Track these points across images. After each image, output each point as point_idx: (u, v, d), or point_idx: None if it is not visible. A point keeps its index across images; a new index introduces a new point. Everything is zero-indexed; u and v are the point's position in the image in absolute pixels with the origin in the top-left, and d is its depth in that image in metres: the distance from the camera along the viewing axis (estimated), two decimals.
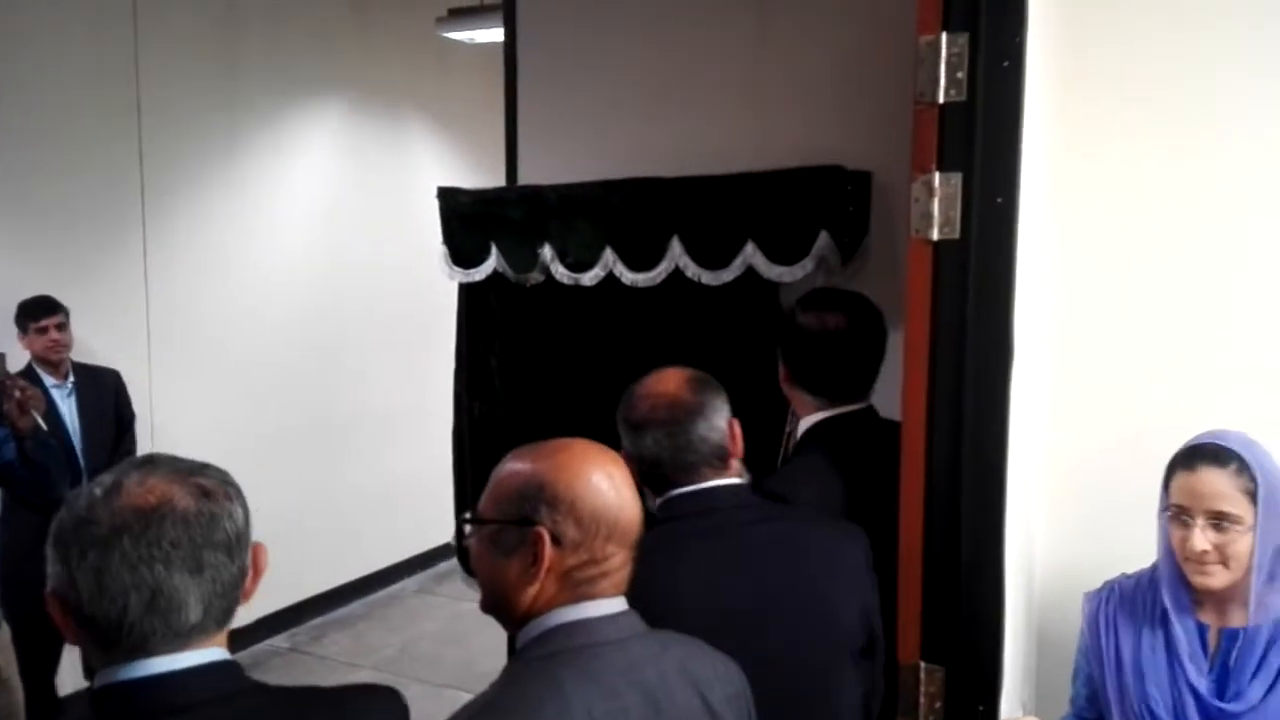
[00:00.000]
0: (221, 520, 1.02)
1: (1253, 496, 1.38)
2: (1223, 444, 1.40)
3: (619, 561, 1.14)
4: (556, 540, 1.09)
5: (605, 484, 1.12)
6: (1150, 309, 1.54)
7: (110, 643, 0.99)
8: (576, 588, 1.11)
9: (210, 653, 1.04)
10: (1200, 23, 1.48)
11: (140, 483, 1.01)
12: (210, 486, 1.04)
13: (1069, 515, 1.68)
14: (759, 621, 1.38)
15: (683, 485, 1.47)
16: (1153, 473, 1.46)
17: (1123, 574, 1.57)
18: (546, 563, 1.09)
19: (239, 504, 1.06)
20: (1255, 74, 1.45)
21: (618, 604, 1.15)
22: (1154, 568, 1.53)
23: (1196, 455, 1.42)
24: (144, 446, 4.11)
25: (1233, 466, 1.39)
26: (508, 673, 1.12)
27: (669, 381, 1.51)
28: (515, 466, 1.15)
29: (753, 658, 1.28)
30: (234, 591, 1.04)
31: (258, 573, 1.08)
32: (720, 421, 1.50)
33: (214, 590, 1.01)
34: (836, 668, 1.46)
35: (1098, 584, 1.59)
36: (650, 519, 1.53)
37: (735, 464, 1.53)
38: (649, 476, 1.49)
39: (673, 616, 1.24)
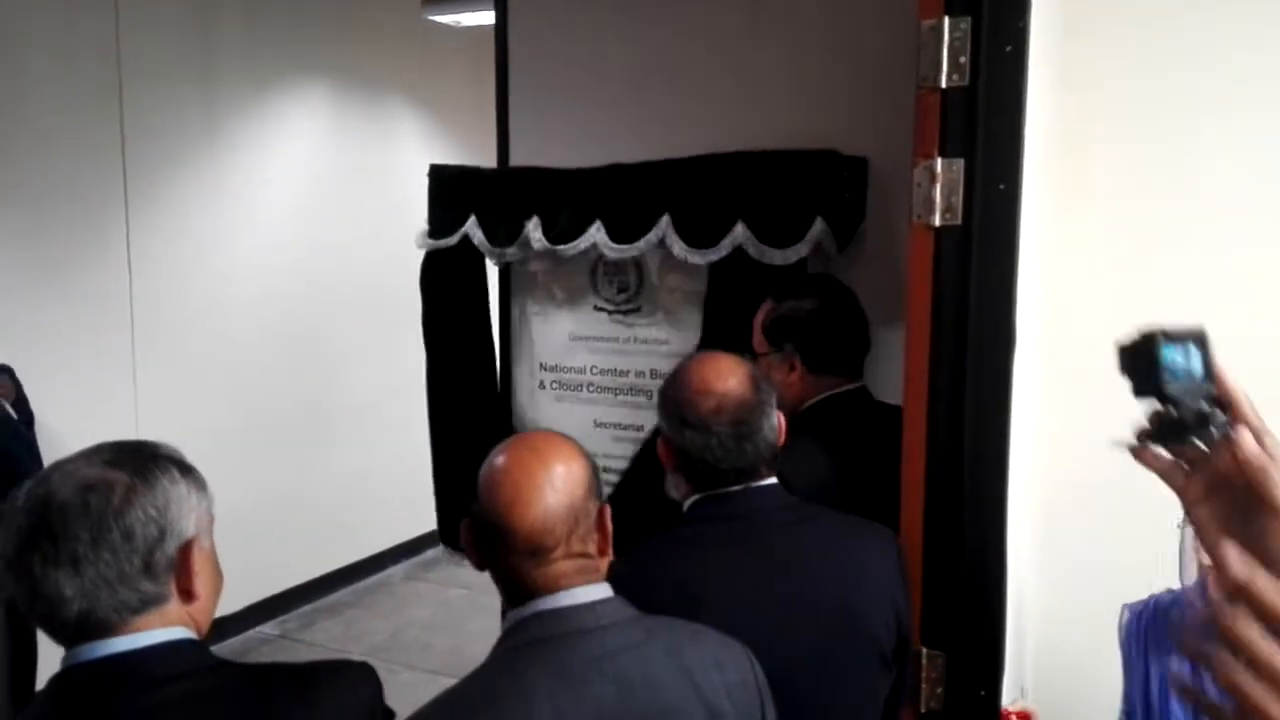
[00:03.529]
0: (106, 514, 1.01)
1: None
2: None
3: (591, 550, 1.17)
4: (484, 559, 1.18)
5: (538, 506, 1.13)
6: (1151, 301, 1.54)
7: (50, 630, 1.02)
8: (554, 580, 1.13)
9: (172, 631, 1.05)
10: (1204, 4, 1.47)
11: (44, 478, 1.03)
12: (100, 479, 1.02)
13: (1063, 520, 1.66)
14: (787, 625, 1.36)
15: (730, 484, 1.43)
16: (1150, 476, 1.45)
17: (1166, 589, 1.50)
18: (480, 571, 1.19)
19: (151, 495, 1.04)
20: (1260, 57, 1.45)
21: (597, 591, 1.16)
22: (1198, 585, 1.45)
23: None
24: (128, 433, 4.07)
25: None
26: (483, 664, 1.14)
27: (728, 376, 1.44)
28: (484, 466, 1.20)
29: (779, 661, 1.27)
30: (140, 582, 1.02)
31: (188, 571, 1.06)
32: (775, 418, 1.46)
33: (98, 583, 1.00)
34: (866, 671, 1.44)
35: (1092, 590, 1.57)
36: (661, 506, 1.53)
37: None
38: (695, 473, 1.44)
39: (696, 618, 1.23)
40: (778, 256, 2.00)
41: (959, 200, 1.42)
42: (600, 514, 1.20)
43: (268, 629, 4.79)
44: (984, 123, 1.40)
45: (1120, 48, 1.50)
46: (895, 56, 1.85)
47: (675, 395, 1.45)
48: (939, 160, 1.43)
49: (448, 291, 2.49)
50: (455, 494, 2.57)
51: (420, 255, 2.52)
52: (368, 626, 4.89)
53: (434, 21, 4.64)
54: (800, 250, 1.98)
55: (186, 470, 1.11)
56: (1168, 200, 1.53)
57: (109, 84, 4.04)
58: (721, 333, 2.04)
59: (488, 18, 3.10)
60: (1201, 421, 0.73)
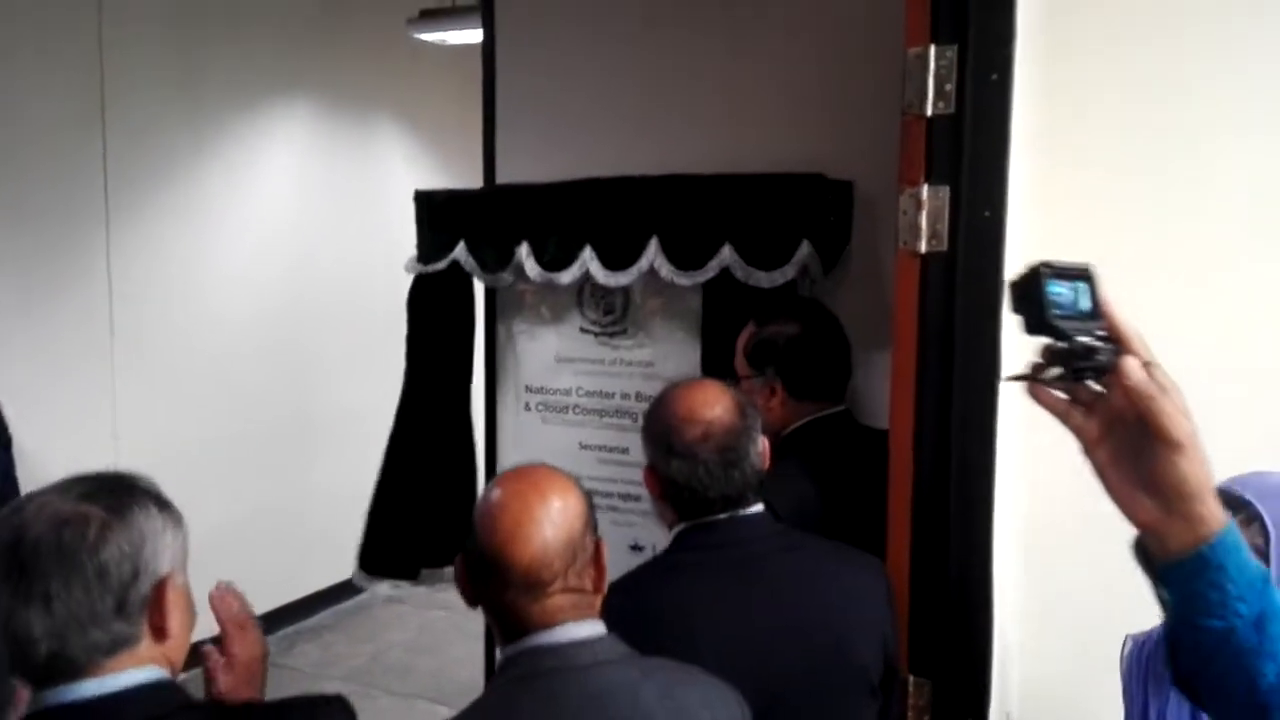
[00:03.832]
0: (79, 551, 0.98)
1: (1263, 554, 1.16)
2: (1233, 489, 1.19)
3: (586, 585, 1.16)
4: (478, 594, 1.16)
5: (536, 540, 1.12)
6: (1138, 324, 1.55)
7: (18, 669, 0.98)
8: (550, 615, 1.12)
9: (144, 672, 1.02)
10: (1184, 31, 1.49)
11: (17, 510, 1.00)
12: (75, 514, 1.00)
13: (1047, 544, 1.66)
14: (775, 652, 1.36)
15: (717, 512, 1.42)
16: None
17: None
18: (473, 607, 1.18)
19: (126, 532, 1.01)
20: (1243, 83, 1.46)
21: (592, 627, 1.15)
22: None
23: None
24: (106, 453, 4.03)
25: (1239, 517, 1.16)
26: (478, 699, 1.14)
27: (714, 402, 1.43)
28: (480, 501, 1.19)
29: (768, 689, 1.27)
30: (111, 623, 0.99)
31: (162, 610, 1.03)
32: (761, 444, 1.46)
33: (69, 623, 0.97)
34: (854, 699, 1.43)
35: (1076, 615, 1.57)
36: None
37: None
38: (682, 501, 1.43)
39: (685, 647, 1.23)
40: (764, 279, 2.00)
41: (945, 227, 1.43)
42: (596, 549, 1.19)
43: None
44: (969, 150, 1.41)
45: (1103, 74, 1.51)
46: (880, 80, 1.86)
47: (661, 423, 1.44)
48: (925, 187, 1.43)
49: (435, 314, 2.48)
50: (395, 518, 2.56)
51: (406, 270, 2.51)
52: (347, 649, 4.83)
53: (420, 40, 4.65)
54: (787, 273, 1.98)
55: (163, 505, 1.08)
56: (1152, 225, 1.54)
57: (91, 101, 4.01)
58: (720, 352, 2.03)
59: (474, 36, 3.11)
60: (1088, 353, 0.73)
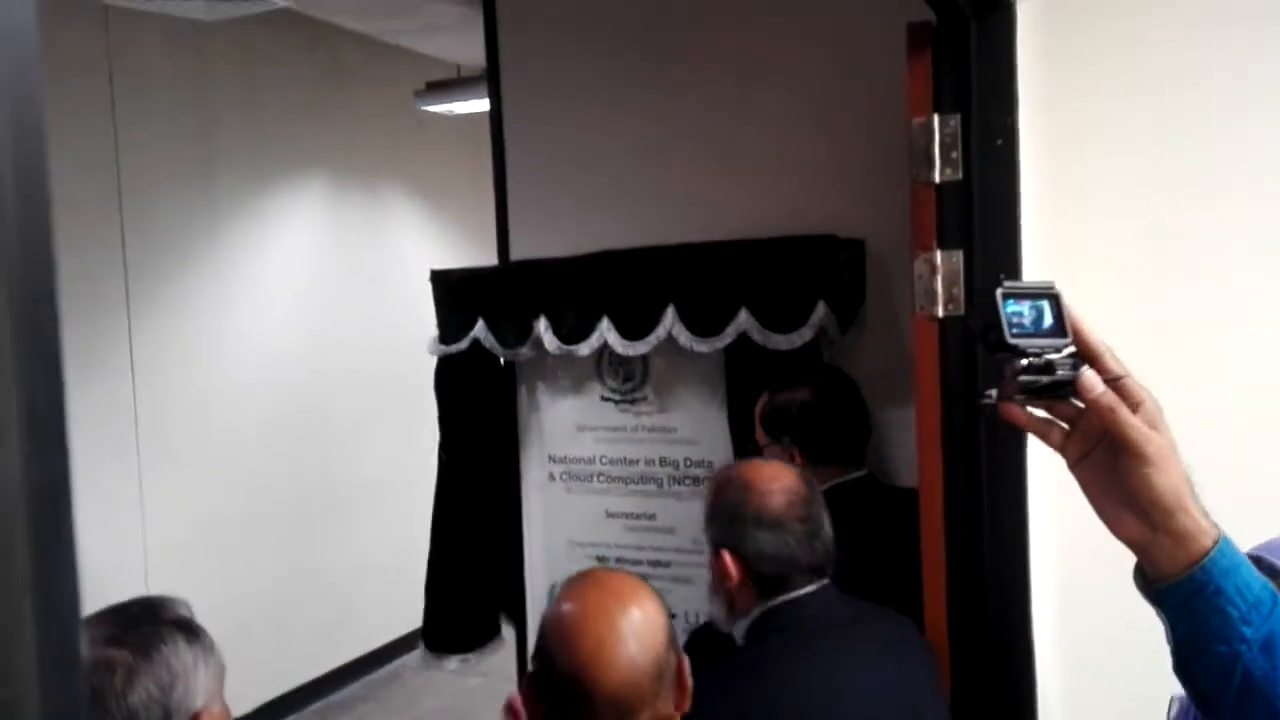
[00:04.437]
0: (106, 699, 0.95)
1: None
2: (1263, 555, 1.18)
3: (670, 711, 1.04)
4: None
5: (623, 662, 0.99)
6: (1153, 380, 1.55)
7: None
8: None
9: None
10: (1182, 81, 1.51)
11: None
12: (101, 659, 0.97)
13: (1081, 615, 1.64)
14: None
15: (805, 585, 1.36)
16: None
17: None
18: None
19: (154, 674, 0.99)
20: (1246, 133, 1.47)
21: None
22: None
23: None
24: (134, 535, 4.05)
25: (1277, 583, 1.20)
26: None
27: (784, 474, 1.40)
28: (549, 614, 1.06)
29: None
30: None
31: None
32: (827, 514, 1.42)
33: None
34: None
35: (1113, 662, 1.55)
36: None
37: None
38: (767, 579, 1.36)
39: None
40: (783, 342, 2.01)
41: (960, 291, 1.44)
42: (680, 668, 1.08)
43: None
44: (980, 215, 1.43)
45: (1104, 128, 1.52)
46: (885, 139, 1.88)
47: (738, 501, 1.37)
48: (938, 253, 1.45)
49: (465, 392, 2.50)
50: (450, 595, 2.57)
51: (421, 341, 2.54)
52: None
53: (427, 111, 4.74)
54: (804, 334, 2.00)
55: (192, 636, 1.05)
56: (1161, 283, 1.55)
57: (109, 192, 4.10)
58: (746, 418, 2.02)
59: (481, 105, 3.17)
60: (1048, 369, 0.72)
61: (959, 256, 1.44)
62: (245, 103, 4.70)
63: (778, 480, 1.38)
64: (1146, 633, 1.54)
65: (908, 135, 1.48)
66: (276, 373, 4.81)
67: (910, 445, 1.62)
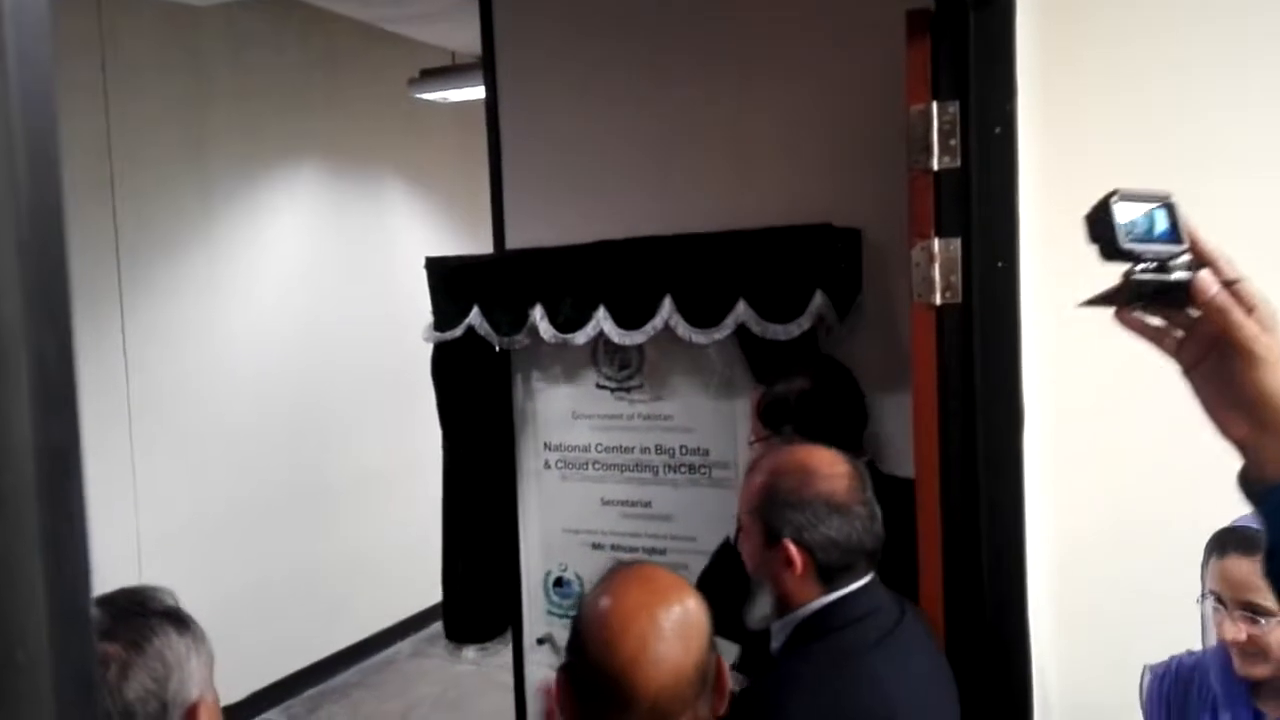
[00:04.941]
0: (101, 695, 0.94)
1: None
2: (1256, 530, 1.26)
3: (707, 714, 1.00)
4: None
5: (667, 663, 0.94)
6: (1157, 364, 1.55)
7: None
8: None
9: None
10: (1181, 68, 1.51)
11: None
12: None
13: (1076, 596, 1.65)
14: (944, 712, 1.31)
15: (859, 577, 1.30)
16: (1165, 551, 1.43)
17: (1187, 651, 1.44)
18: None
19: (148, 666, 0.97)
20: (1243, 121, 1.47)
21: None
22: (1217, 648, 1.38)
23: (1228, 540, 1.27)
24: (128, 523, 4.05)
25: (1260, 555, 1.21)
26: None
27: (838, 459, 1.34)
28: (586, 607, 1.01)
29: None
30: None
31: None
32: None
33: None
34: None
35: (1109, 646, 1.56)
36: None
37: None
38: (833, 568, 1.28)
39: None
40: (781, 332, 2.01)
41: (958, 279, 1.44)
42: (719, 669, 1.02)
43: (273, 715, 4.69)
44: (979, 203, 1.43)
45: (1102, 115, 1.52)
46: (882, 127, 1.88)
47: (801, 488, 1.29)
48: (936, 240, 1.45)
49: (461, 380, 2.49)
50: (464, 585, 2.56)
51: (416, 329, 2.53)
52: (375, 707, 4.80)
53: (421, 99, 4.72)
54: (802, 324, 2.00)
55: (182, 626, 1.03)
56: None
57: (100, 176, 4.08)
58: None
59: (475, 93, 3.16)
60: (1164, 269, 0.72)
61: (957, 244, 1.44)
62: (238, 88, 4.67)
63: (838, 464, 1.31)
64: (1135, 613, 1.56)
65: (906, 123, 1.48)
66: (270, 360, 4.80)
67: (906, 434, 1.63)
